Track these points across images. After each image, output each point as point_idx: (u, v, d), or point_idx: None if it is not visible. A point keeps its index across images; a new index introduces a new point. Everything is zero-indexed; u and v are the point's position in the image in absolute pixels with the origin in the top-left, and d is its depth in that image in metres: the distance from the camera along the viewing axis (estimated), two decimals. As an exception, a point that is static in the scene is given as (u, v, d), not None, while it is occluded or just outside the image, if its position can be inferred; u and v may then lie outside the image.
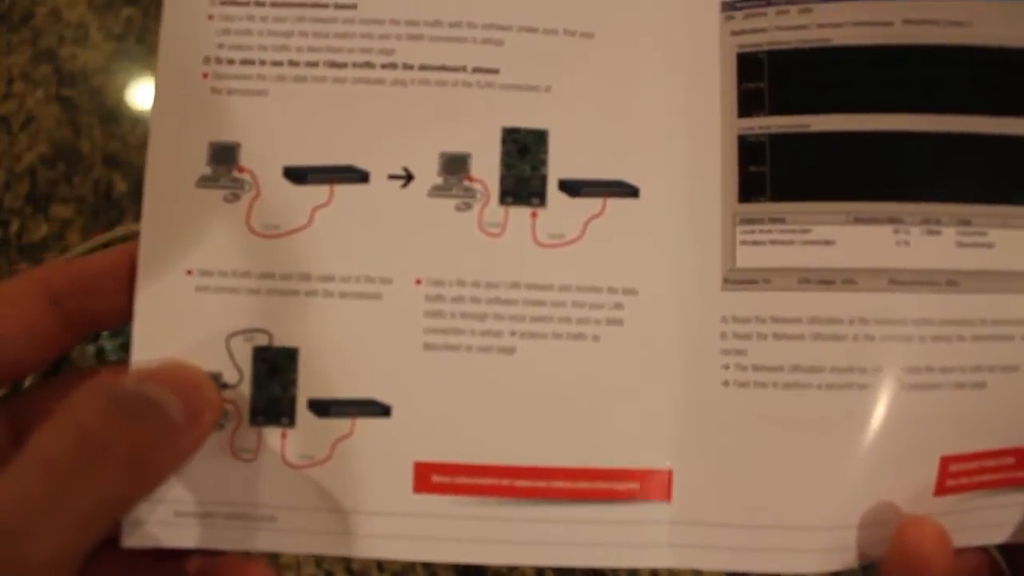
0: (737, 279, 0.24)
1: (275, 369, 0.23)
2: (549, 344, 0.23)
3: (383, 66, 0.24)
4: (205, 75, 0.24)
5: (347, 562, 0.37)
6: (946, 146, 0.23)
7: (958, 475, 0.23)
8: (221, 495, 0.22)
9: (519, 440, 0.23)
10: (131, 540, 0.22)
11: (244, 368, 0.23)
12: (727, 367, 0.23)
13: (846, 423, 0.23)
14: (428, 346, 0.23)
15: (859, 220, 0.23)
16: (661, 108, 0.24)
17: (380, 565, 0.37)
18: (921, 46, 0.23)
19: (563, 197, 0.24)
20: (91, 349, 0.41)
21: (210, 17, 0.24)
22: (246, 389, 0.23)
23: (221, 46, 0.24)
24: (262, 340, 0.23)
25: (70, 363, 0.40)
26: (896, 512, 0.23)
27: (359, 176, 0.23)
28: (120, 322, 0.23)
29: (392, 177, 0.24)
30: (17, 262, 0.45)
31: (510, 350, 0.23)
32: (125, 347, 0.23)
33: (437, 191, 0.24)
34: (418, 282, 0.23)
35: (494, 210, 0.24)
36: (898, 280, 0.23)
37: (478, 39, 0.24)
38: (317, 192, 0.23)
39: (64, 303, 0.23)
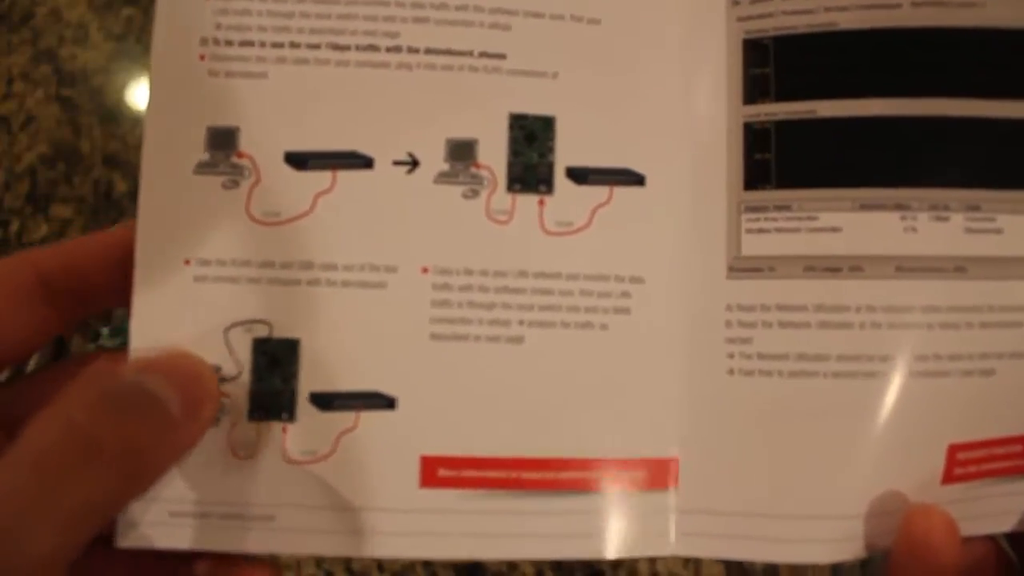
0: (742, 267, 0.22)
1: (276, 361, 0.20)
2: (557, 333, 0.21)
3: (388, 49, 0.21)
4: (202, 57, 0.21)
5: (347, 562, 0.35)
6: (955, 131, 0.21)
7: (966, 463, 0.21)
8: (218, 494, 0.20)
9: (526, 431, 0.21)
10: (125, 541, 0.20)
11: (243, 360, 0.20)
12: (732, 356, 0.21)
13: (852, 412, 0.21)
14: (435, 336, 0.21)
15: (866, 207, 0.21)
16: (667, 95, 0.22)
17: (380, 565, 0.35)
18: (930, 29, 0.21)
19: (570, 185, 0.21)
20: (91, 348, 0.38)
21: None
22: (245, 382, 0.20)
23: (219, 27, 0.21)
24: (262, 331, 0.20)
25: (68, 355, 0.37)
26: (903, 501, 0.21)
27: (363, 162, 0.21)
28: (110, 304, 0.21)
29: (397, 163, 0.21)
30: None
31: (518, 339, 0.21)
32: (126, 346, 0.21)
33: (443, 177, 0.21)
34: (424, 271, 0.21)
35: (501, 197, 0.21)
36: (905, 267, 0.21)
37: (485, 23, 0.21)
38: (319, 178, 0.21)
39: (54, 285, 0.21)
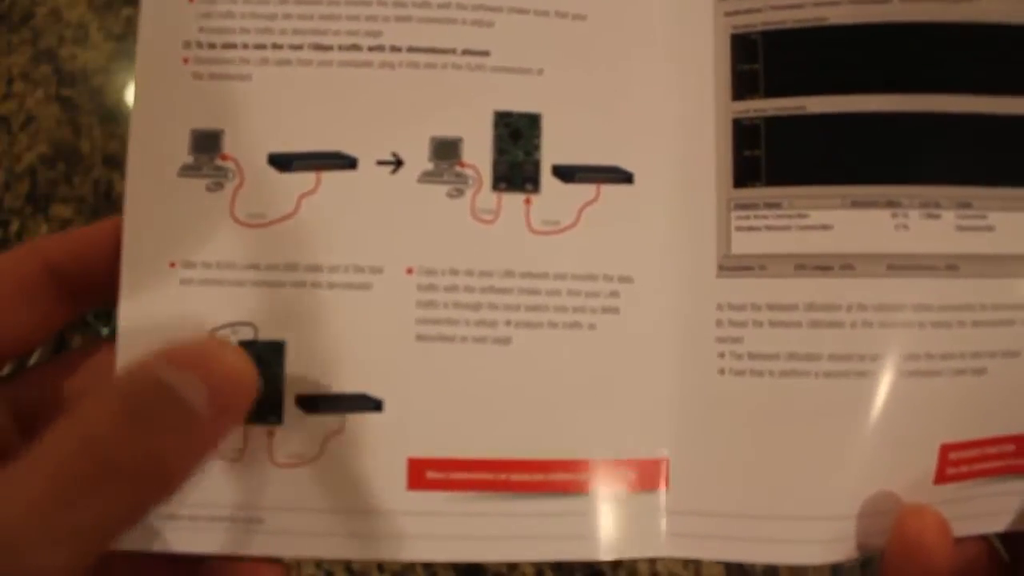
0: (732, 266, 0.21)
1: (261, 364, 0.20)
2: (545, 333, 0.21)
3: (370, 48, 0.21)
4: (186, 60, 0.21)
5: (347, 562, 0.34)
6: (946, 127, 0.21)
7: (958, 463, 0.20)
8: (207, 497, 0.20)
9: (515, 432, 0.20)
10: (119, 543, 0.19)
11: None
12: (723, 355, 0.21)
13: (844, 411, 0.20)
14: (421, 337, 0.20)
15: (857, 204, 0.21)
16: (655, 91, 0.21)
17: (380, 565, 0.35)
18: (920, 24, 0.21)
19: (557, 183, 0.21)
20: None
21: (190, 0, 0.21)
22: None
23: (202, 30, 0.21)
24: (248, 334, 0.20)
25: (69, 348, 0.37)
26: (896, 501, 0.20)
27: (347, 162, 0.21)
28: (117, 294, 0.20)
29: (381, 163, 0.21)
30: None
31: (505, 340, 0.21)
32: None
33: (428, 177, 0.21)
34: (409, 271, 0.21)
35: (487, 196, 0.21)
36: (897, 265, 0.21)
37: (468, 20, 0.21)
38: (303, 179, 0.21)
39: (61, 275, 0.20)
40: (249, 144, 0.21)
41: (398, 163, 0.21)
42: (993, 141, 0.21)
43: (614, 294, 0.21)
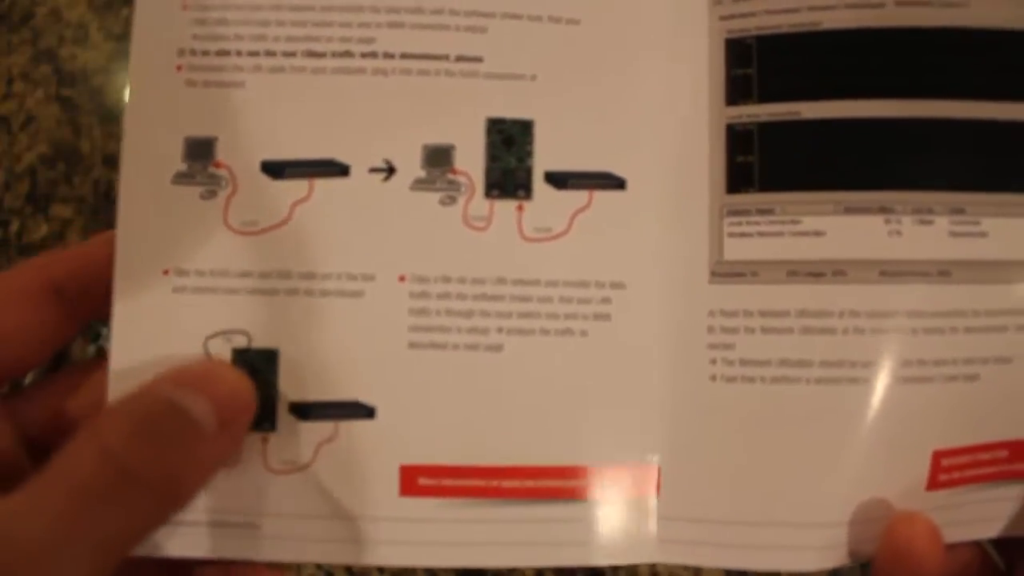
0: (725, 272, 0.21)
1: (255, 371, 0.20)
2: (537, 340, 0.20)
3: (363, 55, 0.21)
4: (179, 67, 0.21)
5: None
6: (940, 132, 0.20)
7: (950, 469, 0.20)
8: (201, 502, 0.19)
9: (506, 439, 0.20)
10: None
11: None
12: (714, 361, 0.21)
13: (836, 418, 0.20)
14: (413, 345, 0.20)
15: (849, 210, 0.21)
16: (648, 96, 0.21)
17: (381, 567, 0.35)
18: (914, 28, 0.21)
19: (549, 189, 0.21)
20: (91, 349, 0.38)
21: (184, 7, 0.21)
22: None
23: (196, 37, 0.21)
24: (241, 341, 0.20)
25: (69, 360, 0.37)
26: (888, 508, 0.20)
27: (339, 169, 0.21)
28: None
29: (373, 170, 0.21)
30: (17, 262, 0.42)
31: (497, 347, 0.20)
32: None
33: (420, 184, 0.21)
34: (402, 279, 0.20)
35: (479, 203, 0.21)
36: (889, 271, 0.20)
37: (461, 26, 0.21)
38: (296, 187, 0.20)
39: (66, 292, 0.20)
40: (242, 151, 0.20)
41: (391, 170, 0.21)
42: (987, 146, 0.21)
43: (606, 300, 0.21)
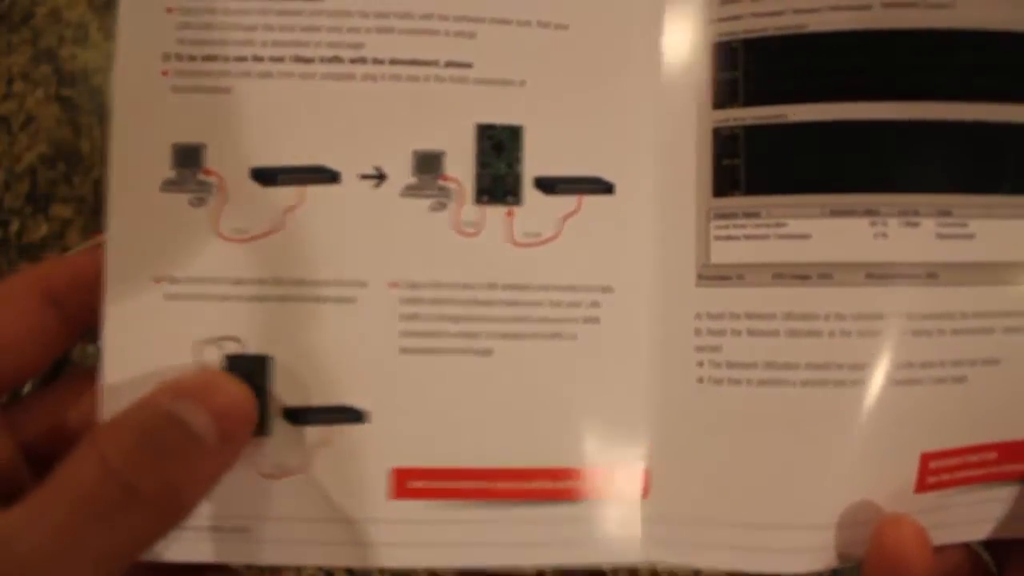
0: (711, 275, 0.21)
1: (248, 377, 0.20)
2: (526, 344, 0.20)
3: (352, 60, 0.21)
4: (165, 73, 0.20)
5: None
6: (926, 134, 0.20)
7: (939, 472, 0.20)
8: (198, 508, 0.20)
9: (497, 442, 0.20)
10: None
11: None
12: (702, 364, 0.21)
13: (823, 421, 0.20)
14: (404, 350, 0.20)
15: (835, 213, 0.21)
16: (636, 100, 0.21)
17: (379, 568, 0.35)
18: (900, 31, 0.20)
19: (539, 195, 0.21)
20: (91, 349, 0.38)
21: (169, 10, 0.20)
22: None
23: (182, 41, 0.20)
24: (234, 348, 0.20)
25: (70, 364, 0.37)
26: (876, 511, 0.20)
27: (330, 176, 0.20)
28: None
29: (364, 177, 0.21)
30: (17, 262, 0.42)
31: (487, 352, 0.20)
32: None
33: (411, 191, 0.21)
34: (393, 285, 0.20)
35: (469, 209, 0.21)
36: (875, 274, 0.20)
37: (450, 32, 0.21)
38: (287, 194, 0.20)
39: (64, 301, 0.20)
40: (232, 158, 0.20)
41: (381, 177, 0.20)
42: (974, 148, 0.20)
43: (595, 304, 0.21)
